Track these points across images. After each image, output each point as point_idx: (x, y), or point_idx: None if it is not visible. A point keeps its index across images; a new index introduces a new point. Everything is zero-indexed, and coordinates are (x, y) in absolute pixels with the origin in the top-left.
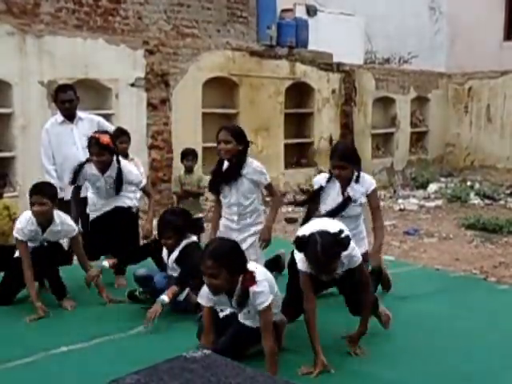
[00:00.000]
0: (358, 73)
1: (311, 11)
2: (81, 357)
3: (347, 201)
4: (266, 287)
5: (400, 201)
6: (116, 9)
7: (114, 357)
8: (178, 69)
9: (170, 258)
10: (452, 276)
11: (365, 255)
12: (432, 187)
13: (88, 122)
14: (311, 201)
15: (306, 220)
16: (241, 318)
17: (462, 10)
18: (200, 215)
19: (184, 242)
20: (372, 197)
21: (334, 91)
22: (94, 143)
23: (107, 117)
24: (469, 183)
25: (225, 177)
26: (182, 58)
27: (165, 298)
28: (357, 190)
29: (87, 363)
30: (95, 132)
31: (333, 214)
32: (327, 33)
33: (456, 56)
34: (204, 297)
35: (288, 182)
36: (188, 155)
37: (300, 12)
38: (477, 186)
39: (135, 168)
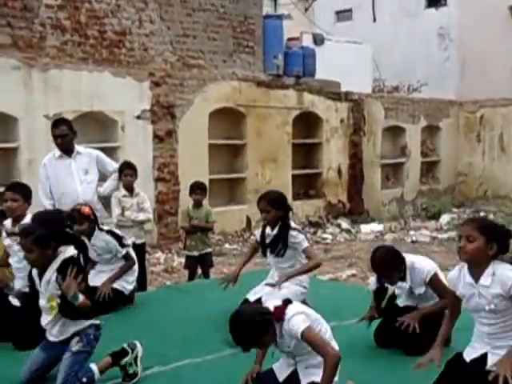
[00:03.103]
0: (367, 102)
1: (318, 40)
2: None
3: (392, 299)
4: (298, 315)
5: (411, 232)
6: (121, 41)
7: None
8: (184, 100)
9: (44, 279)
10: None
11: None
12: (444, 218)
13: (87, 156)
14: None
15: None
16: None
17: (472, 37)
18: (208, 250)
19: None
20: (432, 283)
21: (342, 121)
22: (74, 211)
23: (113, 150)
24: (482, 214)
25: (273, 251)
26: (188, 89)
27: None
28: (403, 288)
29: None
30: (77, 204)
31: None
32: (334, 61)
33: (467, 83)
34: None
35: (296, 214)
36: (197, 189)
37: (307, 41)
38: (491, 216)
39: (112, 241)
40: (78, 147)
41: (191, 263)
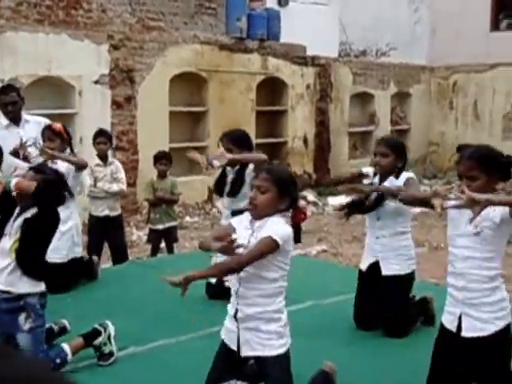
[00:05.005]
0: (334, 67)
1: (282, 1)
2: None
3: (382, 196)
4: (287, 232)
5: None
6: (79, 1)
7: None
8: (143, 64)
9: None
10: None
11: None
12: None
13: (35, 124)
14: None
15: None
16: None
17: None
18: (174, 223)
19: None
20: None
21: (308, 87)
22: (46, 128)
23: (70, 116)
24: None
25: (229, 193)
26: (148, 52)
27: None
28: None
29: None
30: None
31: (367, 209)
32: (299, 24)
33: (438, 48)
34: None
35: None
36: (161, 159)
37: (271, 2)
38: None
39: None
40: (25, 115)
41: (155, 237)
